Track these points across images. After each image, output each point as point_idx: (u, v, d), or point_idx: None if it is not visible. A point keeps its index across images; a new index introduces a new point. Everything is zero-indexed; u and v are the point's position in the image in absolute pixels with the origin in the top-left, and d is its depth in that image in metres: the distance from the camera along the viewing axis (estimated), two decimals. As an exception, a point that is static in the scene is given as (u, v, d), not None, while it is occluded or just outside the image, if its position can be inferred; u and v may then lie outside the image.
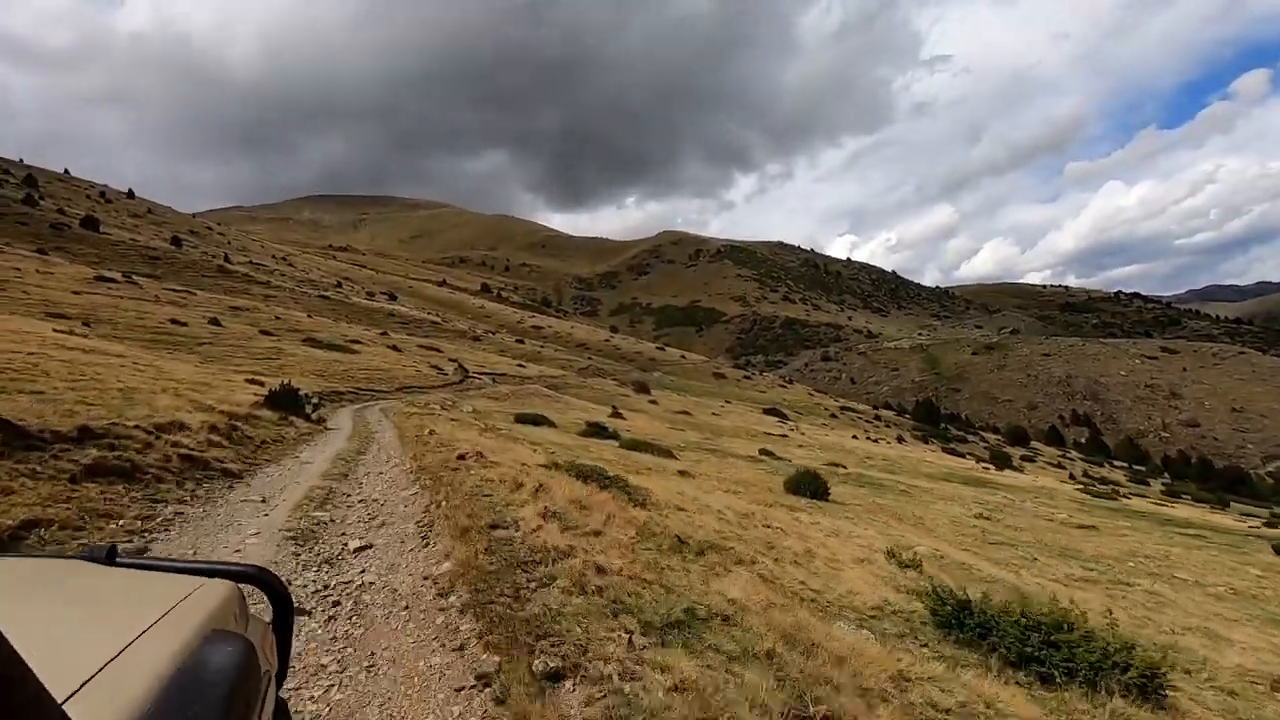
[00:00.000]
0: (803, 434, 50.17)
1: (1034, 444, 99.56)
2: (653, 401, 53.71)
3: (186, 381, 16.48)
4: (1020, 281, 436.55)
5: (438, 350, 59.38)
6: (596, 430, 20.35)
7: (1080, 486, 39.11)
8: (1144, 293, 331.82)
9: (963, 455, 68.60)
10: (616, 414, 34.91)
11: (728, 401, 71.81)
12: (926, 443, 76.00)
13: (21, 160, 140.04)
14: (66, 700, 0.63)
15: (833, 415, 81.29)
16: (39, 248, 65.77)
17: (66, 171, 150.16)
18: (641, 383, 60.12)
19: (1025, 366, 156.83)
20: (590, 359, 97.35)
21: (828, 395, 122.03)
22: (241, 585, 1.19)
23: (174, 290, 57.63)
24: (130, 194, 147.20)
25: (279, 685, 1.22)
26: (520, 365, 63.11)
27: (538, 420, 24.48)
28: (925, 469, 33.41)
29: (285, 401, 12.69)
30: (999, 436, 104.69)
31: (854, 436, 58.63)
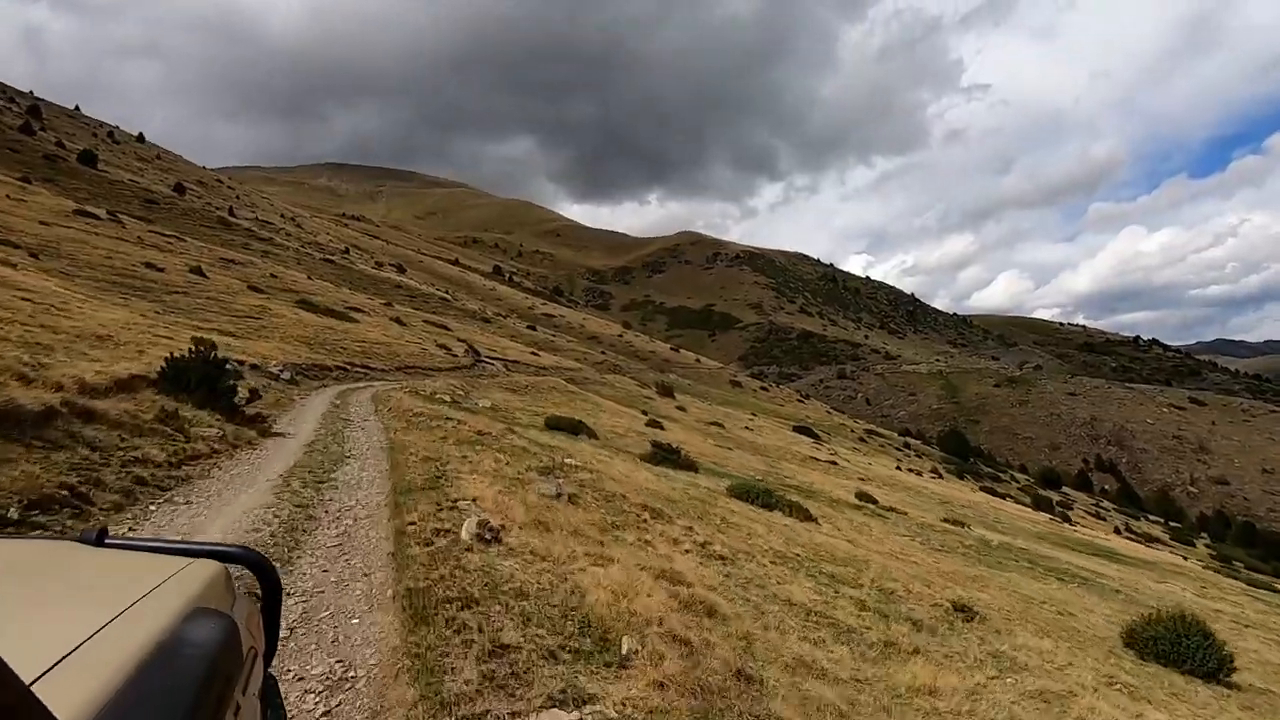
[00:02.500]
0: (848, 461, 44.48)
1: (1065, 489, 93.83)
2: (680, 408, 48.09)
3: (77, 333, 10.88)
4: (1035, 316, 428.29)
5: (445, 328, 53.83)
6: (665, 455, 14.77)
7: (1195, 559, 33.41)
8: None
9: (1002, 496, 63.03)
10: (655, 423, 29.31)
11: (754, 414, 66.26)
12: (961, 479, 70.37)
13: (31, 92, 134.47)
14: (41, 676, 0.64)
15: (861, 439, 75.65)
16: (24, 176, 60.30)
17: (77, 108, 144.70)
18: (666, 386, 54.52)
19: (1049, 405, 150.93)
20: (604, 354, 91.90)
21: (845, 415, 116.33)
22: (231, 566, 1.21)
23: (162, 234, 52.11)
24: (140, 138, 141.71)
25: (267, 663, 1.24)
26: (534, 353, 57.57)
27: (575, 428, 18.93)
28: (1022, 524, 27.73)
29: (192, 380, 7.06)
30: (1027, 476, 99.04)
31: (898, 468, 52.93)
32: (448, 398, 18.64)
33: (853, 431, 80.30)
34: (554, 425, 18.70)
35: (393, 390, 17.87)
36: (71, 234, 38.91)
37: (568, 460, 8.58)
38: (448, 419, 10.65)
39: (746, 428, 49.16)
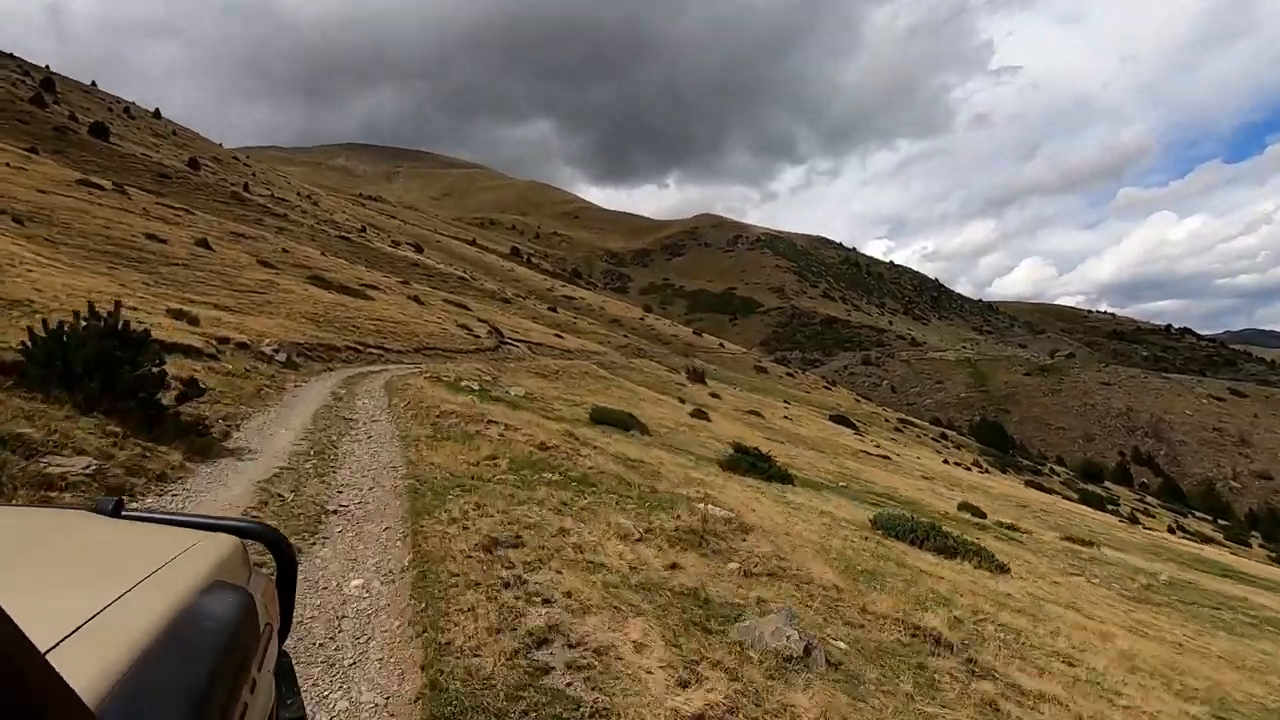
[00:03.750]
0: (899, 455, 41.28)
1: (1106, 483, 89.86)
2: (714, 395, 45.05)
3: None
4: (1058, 304, 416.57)
5: (465, 308, 51.06)
6: (753, 463, 11.77)
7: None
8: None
9: (1048, 491, 59.64)
10: (700, 413, 26.32)
11: (787, 402, 63.16)
12: (1004, 472, 66.90)
13: (47, 67, 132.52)
14: (55, 645, 0.64)
15: (896, 429, 72.25)
16: (31, 147, 58.13)
17: (93, 83, 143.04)
18: (697, 371, 51.47)
19: (1083, 394, 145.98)
20: (627, 337, 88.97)
21: (873, 403, 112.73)
22: (247, 541, 1.22)
23: (170, 207, 49.66)
24: (157, 113, 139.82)
25: (282, 640, 1.24)
26: (558, 336, 54.72)
27: (624, 423, 16.03)
28: (1120, 534, 24.47)
29: (78, 363, 4.11)
30: (1065, 469, 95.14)
31: (946, 461, 49.69)
32: (475, 384, 15.74)
33: (887, 421, 76.92)
34: (600, 419, 15.78)
35: (411, 375, 15.01)
36: (70, 203, 36.49)
37: (704, 506, 5.62)
38: (489, 421, 7.73)
39: (785, 417, 46.08)
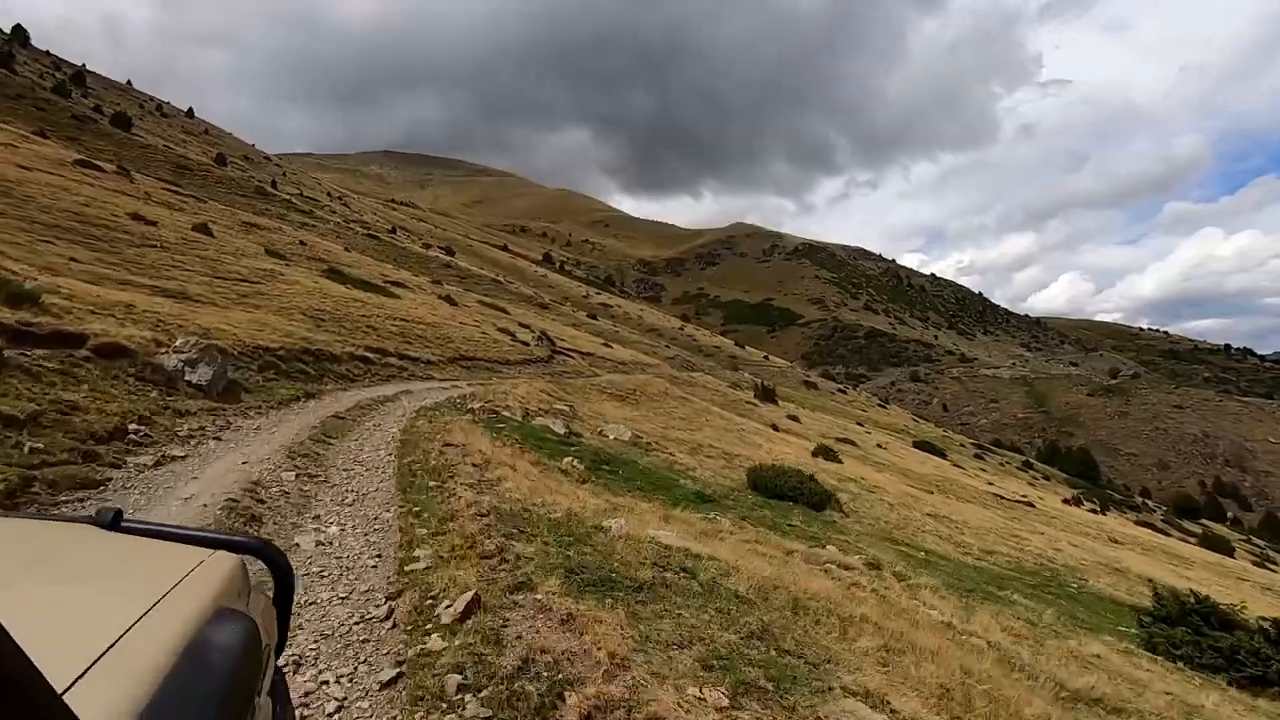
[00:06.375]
0: (1023, 493, 33.81)
1: (1201, 520, 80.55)
2: (792, 418, 38.15)
3: None
4: (1100, 319, 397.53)
5: (503, 311, 45.00)
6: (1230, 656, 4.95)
7: None
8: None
9: (1162, 531, 51.43)
10: (826, 451, 19.62)
11: (861, 424, 55.94)
12: (1106, 511, 58.70)
13: (84, 65, 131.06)
14: (75, 681, 0.64)
15: (977, 456, 64.38)
16: (40, 130, 53.76)
17: (129, 83, 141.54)
18: (767, 389, 44.67)
19: (1153, 418, 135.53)
20: (670, 348, 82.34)
21: (930, 423, 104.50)
22: (245, 557, 1.23)
23: (177, 193, 44.54)
24: (190, 112, 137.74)
25: (277, 656, 1.27)
26: (606, 345, 48.40)
27: (812, 497, 9.65)
28: None
29: None
30: (1152, 502, 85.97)
31: (1068, 501, 42.09)
32: (559, 426, 9.19)
33: (963, 446, 69.05)
34: (767, 488, 9.19)
35: (450, 410, 8.58)
36: (53, 180, 31.17)
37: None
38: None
39: (879, 445, 38.87)
